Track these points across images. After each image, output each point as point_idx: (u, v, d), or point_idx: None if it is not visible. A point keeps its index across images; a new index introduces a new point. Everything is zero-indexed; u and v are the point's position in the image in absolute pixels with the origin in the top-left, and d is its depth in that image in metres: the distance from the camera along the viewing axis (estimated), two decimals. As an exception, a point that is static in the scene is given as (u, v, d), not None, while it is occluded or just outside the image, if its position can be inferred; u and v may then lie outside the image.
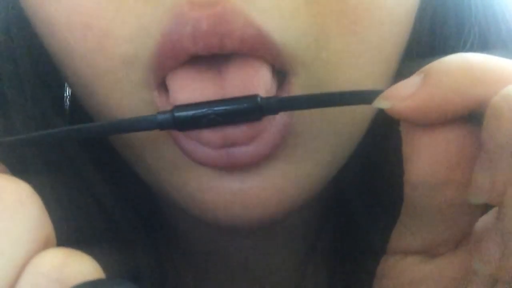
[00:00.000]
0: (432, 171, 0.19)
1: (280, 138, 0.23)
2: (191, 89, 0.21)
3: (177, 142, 0.23)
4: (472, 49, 0.29)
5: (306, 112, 0.22)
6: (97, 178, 0.28)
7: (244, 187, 0.23)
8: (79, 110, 0.26)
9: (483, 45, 0.29)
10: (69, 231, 0.24)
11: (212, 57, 0.21)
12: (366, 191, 0.32)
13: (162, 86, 0.22)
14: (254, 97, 0.21)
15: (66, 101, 0.28)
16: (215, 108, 0.21)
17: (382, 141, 0.30)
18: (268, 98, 0.21)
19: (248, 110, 0.21)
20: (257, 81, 0.21)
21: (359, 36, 0.22)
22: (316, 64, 0.22)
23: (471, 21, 0.29)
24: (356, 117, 0.25)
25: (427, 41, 0.29)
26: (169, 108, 0.22)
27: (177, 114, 0.21)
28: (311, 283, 0.35)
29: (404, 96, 0.19)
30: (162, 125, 0.21)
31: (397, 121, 0.21)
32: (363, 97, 0.20)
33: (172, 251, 0.34)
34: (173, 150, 0.23)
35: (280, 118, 0.22)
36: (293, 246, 0.35)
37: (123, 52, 0.21)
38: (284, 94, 0.22)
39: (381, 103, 0.19)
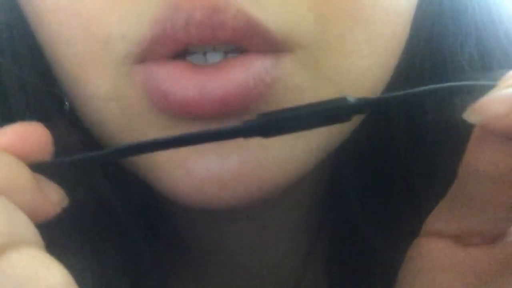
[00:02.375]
0: (498, 165, 0.19)
1: (253, 84, 0.21)
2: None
3: (147, 84, 0.22)
4: (469, 50, 0.29)
5: (295, 88, 0.22)
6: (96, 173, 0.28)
7: (220, 160, 0.22)
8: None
9: (481, 46, 0.29)
10: (67, 228, 0.24)
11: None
12: (365, 191, 0.32)
13: (143, 61, 0.22)
14: (343, 99, 0.20)
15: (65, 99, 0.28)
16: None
17: (381, 140, 0.30)
18: (358, 99, 0.20)
19: (337, 111, 0.20)
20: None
21: (362, 24, 0.22)
22: (315, 45, 0.22)
23: (468, 23, 0.29)
24: None
25: (425, 44, 0.29)
26: (148, 79, 0.21)
27: (263, 121, 0.20)
28: (310, 282, 0.35)
29: (501, 112, 0.18)
30: (247, 133, 0.20)
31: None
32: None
33: (172, 248, 0.34)
34: (146, 122, 0.23)
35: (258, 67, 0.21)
36: (292, 245, 0.35)
37: (109, 33, 0.21)
38: (279, 71, 0.22)
39: (472, 117, 0.19)
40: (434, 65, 0.29)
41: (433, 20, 0.29)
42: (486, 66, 0.29)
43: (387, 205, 0.31)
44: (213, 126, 0.21)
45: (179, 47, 0.21)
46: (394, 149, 0.30)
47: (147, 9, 0.21)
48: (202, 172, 0.22)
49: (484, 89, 0.19)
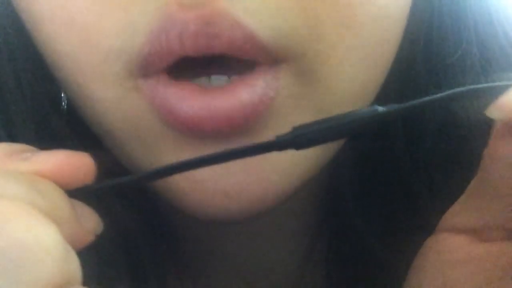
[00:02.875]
0: None
1: (258, 101, 0.22)
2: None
3: (155, 102, 0.22)
4: (469, 52, 0.29)
5: (293, 97, 0.22)
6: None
7: (226, 173, 0.22)
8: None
9: (481, 48, 0.29)
10: None
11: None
12: (363, 193, 0.32)
13: (147, 76, 0.22)
14: (373, 109, 0.20)
15: (63, 100, 0.28)
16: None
17: (379, 143, 0.30)
18: (389, 107, 0.20)
19: (369, 123, 0.20)
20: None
21: (353, 31, 0.22)
22: (308, 54, 0.22)
23: (468, 24, 0.29)
24: (343, 109, 0.24)
25: (424, 46, 0.29)
26: (156, 97, 0.22)
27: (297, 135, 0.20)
28: (309, 285, 0.35)
29: None
30: (281, 147, 0.20)
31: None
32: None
33: (171, 251, 0.34)
34: (154, 133, 0.23)
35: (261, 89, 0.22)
36: (291, 248, 0.34)
37: (108, 46, 0.21)
38: (279, 84, 0.22)
39: (495, 114, 0.19)
40: (434, 67, 0.30)
41: (432, 22, 0.29)
42: (486, 68, 0.29)
43: (384, 207, 0.32)
44: (221, 142, 0.22)
45: (175, 58, 0.21)
46: (392, 151, 0.31)
47: (142, 19, 0.21)
48: (209, 185, 0.23)
49: (498, 91, 0.20)
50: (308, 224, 0.34)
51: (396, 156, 0.30)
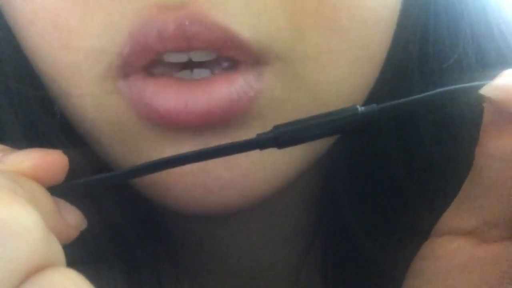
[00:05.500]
0: None
1: (237, 98, 0.22)
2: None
3: (133, 100, 0.22)
4: (466, 53, 0.29)
5: (276, 99, 0.22)
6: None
7: (206, 167, 0.23)
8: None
9: (477, 48, 0.29)
10: None
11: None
12: (358, 194, 0.32)
13: (127, 76, 0.22)
14: (354, 108, 0.21)
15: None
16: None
17: (373, 143, 0.30)
18: (368, 107, 0.21)
19: (349, 122, 0.20)
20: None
21: (340, 34, 0.22)
22: (292, 56, 0.22)
23: (464, 24, 0.29)
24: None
25: (419, 49, 0.29)
26: (135, 95, 0.22)
27: (279, 133, 0.20)
28: (306, 284, 0.35)
29: None
30: (262, 145, 0.21)
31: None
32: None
33: (167, 252, 0.34)
34: (134, 133, 0.23)
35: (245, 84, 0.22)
36: (287, 248, 0.34)
37: (89, 47, 0.22)
38: (261, 85, 0.22)
39: (491, 92, 0.20)
40: (429, 70, 0.29)
41: (428, 24, 0.29)
42: (483, 70, 0.29)
43: (379, 207, 0.31)
44: (200, 137, 0.22)
45: (155, 56, 0.21)
46: (386, 151, 0.30)
47: (122, 21, 0.21)
48: (189, 179, 0.23)
49: (475, 91, 0.20)
50: (304, 223, 0.34)
51: (390, 156, 0.30)
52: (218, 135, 0.23)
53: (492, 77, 0.20)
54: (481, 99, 0.20)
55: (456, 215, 0.22)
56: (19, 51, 0.25)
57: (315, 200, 0.33)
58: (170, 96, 0.22)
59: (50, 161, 0.19)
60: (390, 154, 0.30)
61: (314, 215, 0.34)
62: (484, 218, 0.21)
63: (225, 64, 0.22)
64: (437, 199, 0.24)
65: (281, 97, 0.23)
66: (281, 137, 0.20)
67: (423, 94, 0.21)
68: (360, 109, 0.20)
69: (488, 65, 0.29)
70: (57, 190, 0.20)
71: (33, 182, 0.19)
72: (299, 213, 0.33)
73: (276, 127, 0.20)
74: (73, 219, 0.20)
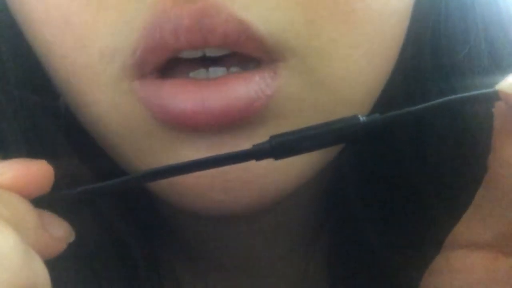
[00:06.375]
0: None
1: (255, 97, 0.21)
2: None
3: (149, 102, 0.22)
4: (478, 47, 0.29)
5: (293, 97, 0.22)
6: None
7: (224, 168, 0.22)
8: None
9: (490, 45, 0.29)
10: None
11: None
12: (366, 190, 0.32)
13: (143, 76, 0.22)
14: (355, 118, 0.20)
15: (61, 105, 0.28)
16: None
17: (382, 141, 0.30)
18: (370, 117, 0.20)
19: (350, 131, 0.20)
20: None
21: (354, 27, 0.22)
22: (307, 51, 0.22)
23: (476, 20, 0.29)
24: (347, 109, 0.24)
25: (430, 42, 0.29)
26: (151, 97, 0.22)
27: (275, 143, 0.20)
28: (312, 280, 0.35)
29: None
30: (258, 156, 0.20)
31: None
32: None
33: (171, 251, 0.34)
34: (149, 135, 0.23)
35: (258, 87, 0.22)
36: (294, 244, 0.34)
37: (103, 46, 0.21)
38: (277, 83, 0.22)
39: (509, 88, 0.19)
40: (441, 64, 0.29)
41: (439, 18, 0.29)
42: (495, 64, 0.28)
43: (387, 204, 0.31)
44: (216, 137, 0.22)
45: (170, 53, 0.21)
46: (395, 149, 0.30)
47: (136, 16, 0.21)
48: (207, 179, 0.23)
49: (488, 98, 0.20)
50: (311, 221, 0.34)
51: (401, 153, 0.30)
52: (235, 135, 0.22)
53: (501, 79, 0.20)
54: (491, 104, 0.20)
55: (470, 227, 0.21)
56: (23, 57, 0.25)
57: (324, 195, 0.33)
58: (187, 97, 0.21)
59: (33, 172, 0.19)
60: (401, 151, 0.30)
61: (323, 210, 0.34)
62: (500, 230, 0.20)
63: (241, 62, 0.22)
64: (449, 199, 0.24)
65: (298, 94, 0.22)
66: (277, 148, 0.20)
67: (428, 103, 0.20)
68: (362, 118, 0.20)
69: (501, 59, 0.29)
70: (45, 200, 0.19)
71: (14, 196, 0.18)
72: (305, 210, 0.33)
73: (272, 138, 0.20)
74: (59, 231, 0.19)
